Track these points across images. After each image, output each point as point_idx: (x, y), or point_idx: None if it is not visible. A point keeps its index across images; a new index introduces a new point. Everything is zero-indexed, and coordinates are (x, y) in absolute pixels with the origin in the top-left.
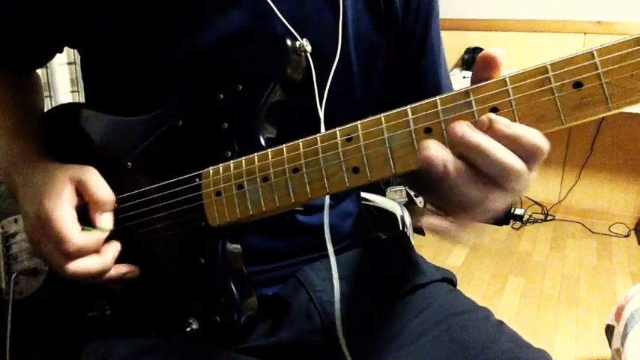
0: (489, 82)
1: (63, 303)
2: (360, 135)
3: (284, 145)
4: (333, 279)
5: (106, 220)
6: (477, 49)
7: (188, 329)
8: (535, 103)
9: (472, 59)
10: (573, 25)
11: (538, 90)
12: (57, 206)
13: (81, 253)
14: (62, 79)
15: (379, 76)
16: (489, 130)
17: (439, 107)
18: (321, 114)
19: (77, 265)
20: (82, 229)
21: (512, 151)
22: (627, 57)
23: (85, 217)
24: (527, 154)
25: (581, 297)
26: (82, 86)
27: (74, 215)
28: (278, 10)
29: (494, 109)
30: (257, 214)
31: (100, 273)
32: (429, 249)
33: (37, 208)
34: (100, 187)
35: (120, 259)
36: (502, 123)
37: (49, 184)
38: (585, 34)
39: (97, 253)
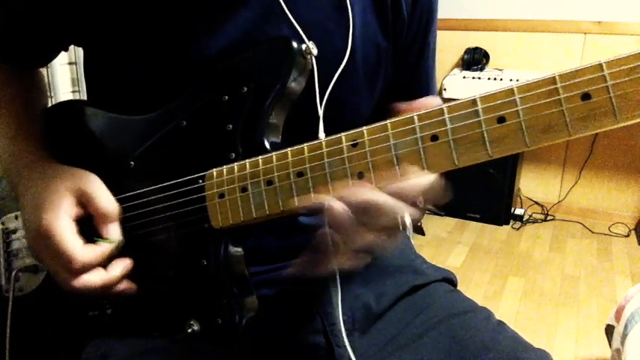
0: (497, 90)
1: (63, 301)
2: (366, 141)
3: (288, 149)
4: (337, 279)
5: (113, 231)
6: (477, 49)
7: (189, 330)
8: (542, 113)
9: (472, 59)
10: (573, 25)
11: (546, 100)
12: (55, 220)
13: (85, 269)
14: (63, 79)
15: (382, 80)
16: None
17: (446, 115)
18: (321, 113)
19: (81, 281)
20: (95, 241)
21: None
22: (637, 70)
23: (90, 228)
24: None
25: (581, 297)
26: (84, 86)
27: (73, 228)
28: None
29: (502, 119)
30: (260, 217)
31: (105, 288)
32: (429, 249)
33: (37, 222)
34: (103, 198)
35: None
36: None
37: (47, 193)
38: (585, 34)
39: (102, 268)
